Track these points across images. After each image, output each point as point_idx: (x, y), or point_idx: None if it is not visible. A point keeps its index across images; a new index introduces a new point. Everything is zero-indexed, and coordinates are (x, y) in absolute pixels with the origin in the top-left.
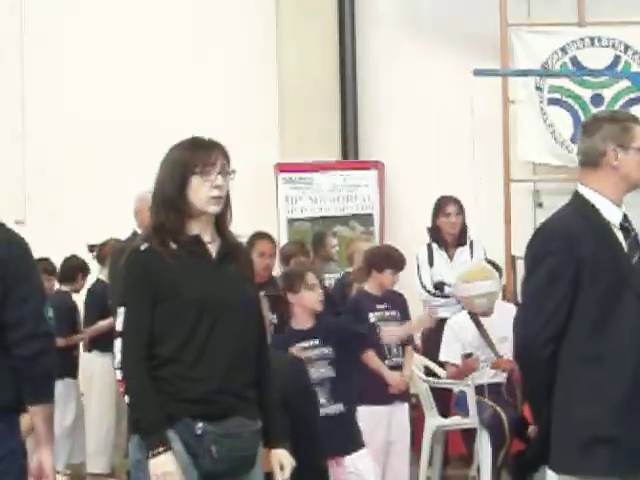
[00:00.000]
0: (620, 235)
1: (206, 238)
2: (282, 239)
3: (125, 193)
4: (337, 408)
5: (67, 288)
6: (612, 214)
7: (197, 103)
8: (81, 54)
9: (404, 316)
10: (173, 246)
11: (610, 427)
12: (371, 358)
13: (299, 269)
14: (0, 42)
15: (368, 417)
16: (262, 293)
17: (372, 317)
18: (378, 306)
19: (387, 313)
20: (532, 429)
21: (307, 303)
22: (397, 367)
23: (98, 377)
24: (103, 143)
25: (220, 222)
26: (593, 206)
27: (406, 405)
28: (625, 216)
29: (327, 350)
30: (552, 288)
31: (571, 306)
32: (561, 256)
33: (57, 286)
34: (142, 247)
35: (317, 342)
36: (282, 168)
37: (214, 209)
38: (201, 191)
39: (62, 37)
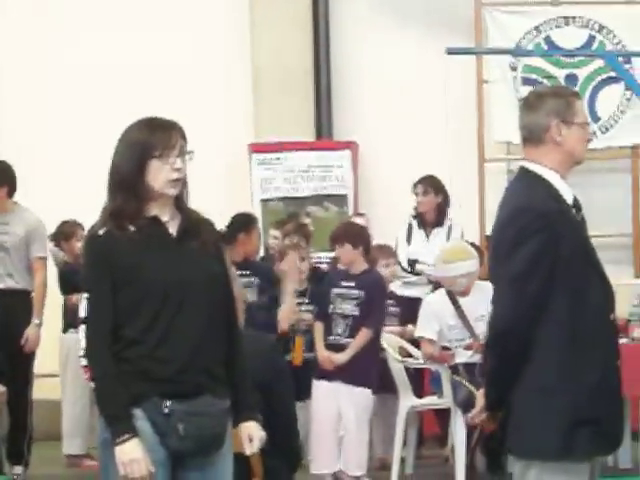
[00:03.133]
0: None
1: (165, 218)
2: None
3: (97, 177)
4: None
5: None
6: (567, 193)
7: (170, 83)
8: (54, 43)
9: (370, 299)
10: (131, 229)
11: (589, 408)
12: (315, 329)
13: None
14: None
15: (314, 391)
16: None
17: (332, 293)
18: (343, 283)
19: (349, 291)
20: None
21: None
22: (339, 346)
23: (73, 358)
24: (77, 122)
25: (179, 200)
26: (554, 187)
27: (358, 389)
28: (574, 195)
29: None
30: (536, 270)
31: (549, 289)
32: (545, 236)
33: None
34: (100, 232)
35: None
36: (256, 148)
37: (173, 192)
38: (160, 175)
39: (41, 17)
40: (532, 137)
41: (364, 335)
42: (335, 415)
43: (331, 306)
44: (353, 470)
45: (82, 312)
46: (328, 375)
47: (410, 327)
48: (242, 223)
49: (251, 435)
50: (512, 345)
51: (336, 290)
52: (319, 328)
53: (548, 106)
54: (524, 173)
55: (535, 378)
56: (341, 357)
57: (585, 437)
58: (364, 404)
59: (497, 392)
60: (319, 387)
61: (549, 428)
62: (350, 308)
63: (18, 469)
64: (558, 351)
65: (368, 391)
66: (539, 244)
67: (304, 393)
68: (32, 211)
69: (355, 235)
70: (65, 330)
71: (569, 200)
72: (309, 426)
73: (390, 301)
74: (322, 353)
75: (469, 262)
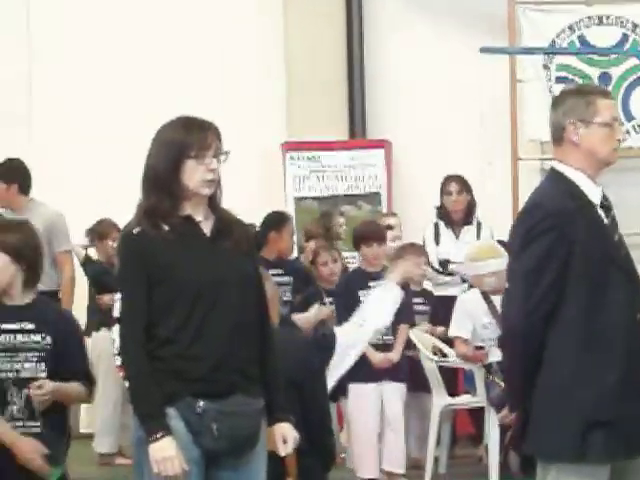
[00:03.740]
0: (602, 214)
1: (198, 217)
2: None
3: (130, 176)
4: None
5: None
6: (593, 193)
7: (204, 83)
8: (87, 38)
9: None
10: (165, 228)
11: (606, 410)
12: None
13: None
14: (7, 34)
15: (357, 395)
16: None
17: (361, 295)
18: (370, 283)
19: None
20: (502, 415)
21: None
22: (385, 346)
23: (105, 356)
24: (110, 121)
25: (212, 200)
26: (577, 186)
27: (398, 385)
28: (604, 194)
29: None
30: (546, 267)
31: (562, 287)
32: (555, 235)
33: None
34: (134, 231)
35: None
36: (290, 147)
37: (207, 192)
38: (196, 175)
39: (67, 25)
40: (554, 137)
41: (405, 331)
42: (379, 416)
43: None
44: (398, 468)
45: (116, 311)
46: (375, 376)
47: (440, 328)
48: (273, 222)
49: (285, 436)
50: (523, 342)
51: (365, 291)
52: None
53: (566, 105)
54: (551, 172)
55: (551, 378)
56: (395, 355)
57: (600, 440)
58: (403, 399)
59: (514, 390)
60: (362, 389)
61: (564, 430)
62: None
63: None
64: (574, 351)
65: (405, 386)
66: (549, 242)
67: (336, 393)
68: (48, 205)
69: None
70: (97, 329)
71: (596, 200)
72: (343, 427)
73: (419, 299)
74: (375, 355)
75: (498, 260)
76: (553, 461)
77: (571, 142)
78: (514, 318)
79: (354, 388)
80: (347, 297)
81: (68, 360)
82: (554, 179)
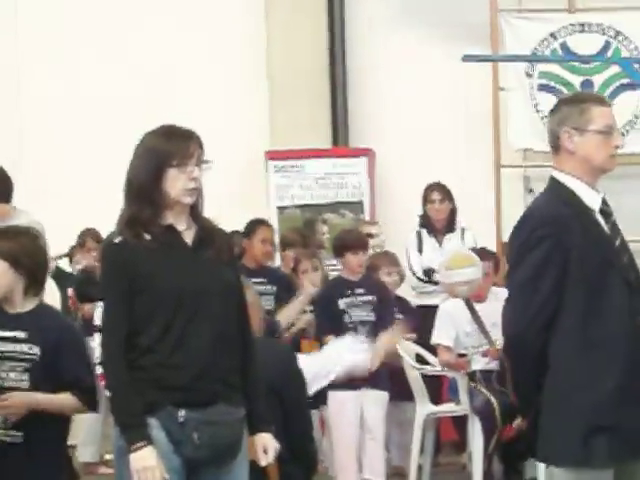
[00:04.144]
0: (601, 220)
1: (180, 227)
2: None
3: (116, 183)
4: None
5: None
6: (591, 199)
7: (187, 92)
8: (76, 45)
9: (382, 301)
10: (147, 237)
11: (607, 415)
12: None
13: None
14: None
15: (335, 402)
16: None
17: (342, 303)
18: (350, 291)
19: (361, 298)
20: (518, 423)
21: None
22: None
23: None
24: (94, 131)
25: (194, 209)
26: (573, 193)
27: (380, 393)
28: (604, 200)
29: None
30: (543, 276)
31: (560, 294)
32: (552, 242)
33: None
34: (116, 240)
35: None
36: (272, 155)
37: (189, 200)
38: (178, 183)
39: (58, 33)
40: (551, 145)
41: (386, 340)
42: (358, 423)
43: (346, 316)
44: (378, 477)
45: (97, 320)
46: (354, 384)
47: (410, 335)
48: (245, 229)
49: (265, 446)
50: (523, 349)
51: (346, 300)
52: (332, 342)
53: (561, 113)
54: (550, 180)
55: (553, 384)
56: (374, 363)
57: (603, 445)
58: (385, 408)
59: (520, 397)
60: (341, 397)
61: (567, 435)
62: (366, 314)
63: None
64: (573, 357)
65: (386, 394)
66: (546, 249)
67: (317, 400)
68: (30, 213)
69: None
70: None
71: (595, 206)
72: (325, 434)
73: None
74: None
75: (470, 270)
76: (557, 465)
77: (567, 150)
78: (514, 326)
79: (333, 395)
80: (327, 306)
81: (60, 371)
82: (551, 187)
